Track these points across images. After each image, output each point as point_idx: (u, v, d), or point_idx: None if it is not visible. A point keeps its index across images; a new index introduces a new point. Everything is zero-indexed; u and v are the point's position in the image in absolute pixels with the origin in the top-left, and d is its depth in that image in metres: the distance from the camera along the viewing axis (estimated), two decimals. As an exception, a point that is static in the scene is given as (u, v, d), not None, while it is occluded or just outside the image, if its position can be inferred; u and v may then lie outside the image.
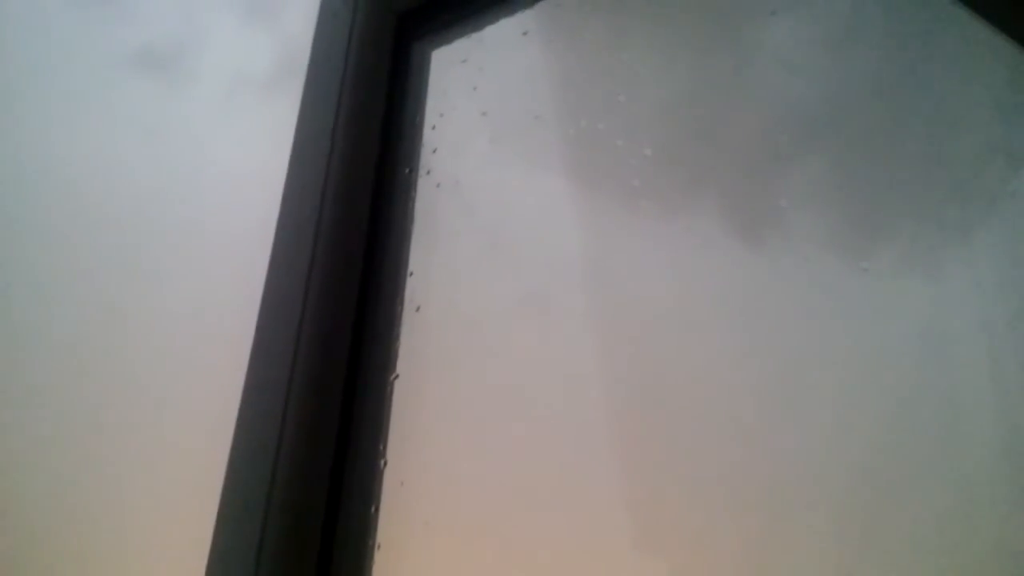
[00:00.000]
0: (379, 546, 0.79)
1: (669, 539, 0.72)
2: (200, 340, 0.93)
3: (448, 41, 1.03)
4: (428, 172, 0.93)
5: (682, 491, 0.74)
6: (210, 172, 1.03)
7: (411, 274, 0.90)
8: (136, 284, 0.98)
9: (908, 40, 0.94)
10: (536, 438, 0.81)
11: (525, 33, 0.95)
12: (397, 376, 0.86)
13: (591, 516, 0.74)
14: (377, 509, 0.81)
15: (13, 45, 1.18)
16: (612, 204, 0.88)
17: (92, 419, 0.86)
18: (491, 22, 1.01)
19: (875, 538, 0.70)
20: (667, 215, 0.86)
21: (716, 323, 0.81)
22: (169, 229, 1.02)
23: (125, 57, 1.15)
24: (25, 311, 0.96)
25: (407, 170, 0.95)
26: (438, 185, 0.92)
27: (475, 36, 1.00)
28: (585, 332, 0.84)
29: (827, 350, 0.78)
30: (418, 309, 0.87)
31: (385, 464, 0.83)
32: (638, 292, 0.84)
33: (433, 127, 0.96)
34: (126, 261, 1.01)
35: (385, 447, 0.84)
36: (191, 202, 1.03)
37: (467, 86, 0.96)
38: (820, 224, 0.84)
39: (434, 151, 0.94)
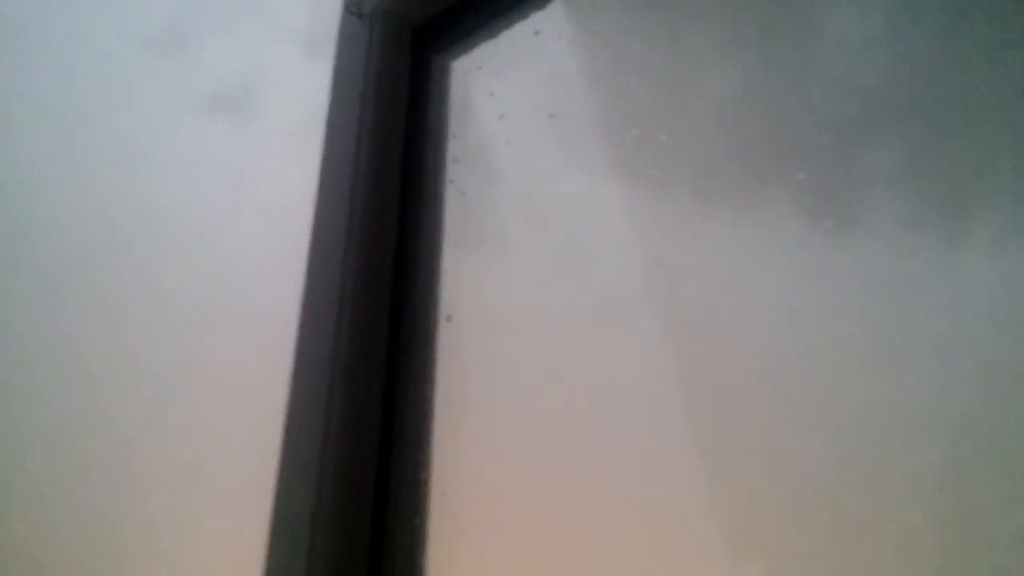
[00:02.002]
0: (428, 559, 0.79)
1: (766, 549, 0.69)
2: (244, 374, 0.94)
3: (467, 51, 1.03)
4: (451, 181, 0.93)
5: (775, 498, 0.72)
6: (280, 205, 1.05)
7: (440, 285, 0.90)
8: (191, 312, 1.01)
9: (975, 12, 0.90)
10: (596, 446, 0.79)
11: (537, 33, 0.95)
12: (434, 387, 0.86)
13: (674, 530, 0.72)
14: (422, 521, 0.81)
15: (89, 95, 1.24)
16: (639, 196, 0.87)
17: (125, 439, 0.89)
18: (506, 27, 1.01)
19: (983, 545, 0.66)
20: (736, 213, 0.83)
21: (798, 319, 0.78)
22: (232, 258, 1.04)
23: (197, 101, 1.18)
24: (103, 331, 1.00)
25: (432, 182, 0.96)
26: (462, 193, 0.92)
27: (490, 41, 1.00)
28: (647, 337, 0.81)
29: (920, 340, 0.74)
30: (449, 319, 0.87)
31: (427, 476, 0.83)
32: (704, 291, 0.81)
33: (454, 136, 0.96)
34: (184, 288, 1.04)
35: (427, 459, 0.83)
36: (261, 234, 1.05)
37: (484, 92, 0.95)
38: (902, 207, 0.80)
39: (455, 160, 0.94)
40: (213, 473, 0.86)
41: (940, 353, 0.74)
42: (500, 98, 0.94)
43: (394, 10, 1.05)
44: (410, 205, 0.95)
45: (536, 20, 0.95)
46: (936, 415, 0.71)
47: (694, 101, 0.89)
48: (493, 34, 1.01)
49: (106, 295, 1.06)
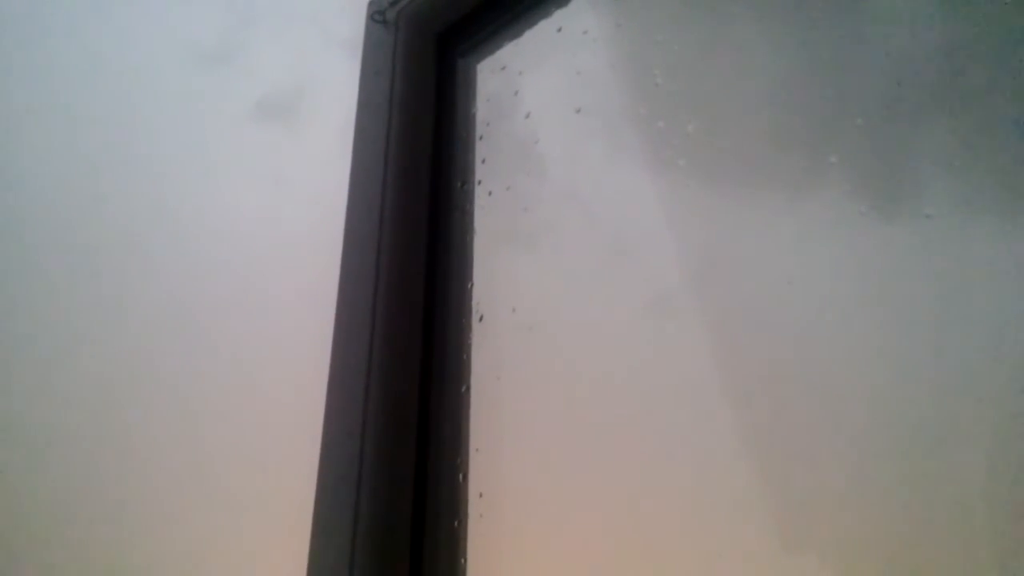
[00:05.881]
0: (468, 561, 0.79)
1: (820, 538, 0.68)
2: (281, 376, 0.95)
3: (491, 52, 1.04)
4: (480, 182, 0.93)
5: (828, 489, 0.70)
6: (316, 209, 1.05)
7: (472, 285, 0.89)
8: (223, 313, 1.02)
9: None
10: (637, 441, 0.78)
11: (559, 30, 0.94)
12: (468, 388, 0.85)
13: (725, 522, 0.70)
14: (461, 523, 0.80)
15: (140, 103, 1.27)
16: (669, 187, 0.85)
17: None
18: (529, 26, 1.00)
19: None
20: (776, 200, 0.81)
21: (847, 307, 0.76)
22: (268, 261, 1.06)
23: (243, 107, 1.20)
24: (142, 334, 1.02)
25: (460, 184, 0.96)
26: (490, 193, 0.92)
27: (514, 42, 1.00)
28: (684, 329, 0.80)
29: (973, 326, 0.72)
30: (481, 319, 0.87)
31: (464, 477, 0.82)
32: (744, 280, 0.79)
33: (481, 137, 0.96)
34: (219, 289, 1.05)
35: (465, 460, 0.83)
36: (296, 237, 1.06)
37: (509, 92, 0.95)
38: (955, 192, 0.77)
39: (483, 161, 0.94)
40: (254, 479, 0.86)
41: (995, 340, 0.71)
42: (525, 97, 0.93)
43: (418, 16, 1.06)
44: (440, 207, 0.95)
45: (559, 17, 0.94)
46: (990, 404, 0.69)
47: (722, 89, 0.87)
48: (516, 34, 1.01)
49: (152, 296, 1.08)
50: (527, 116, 0.92)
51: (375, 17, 1.07)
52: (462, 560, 0.79)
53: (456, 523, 0.80)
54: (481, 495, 0.80)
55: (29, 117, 1.33)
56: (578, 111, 0.88)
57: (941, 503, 0.66)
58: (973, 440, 0.68)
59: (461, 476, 0.82)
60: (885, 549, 0.66)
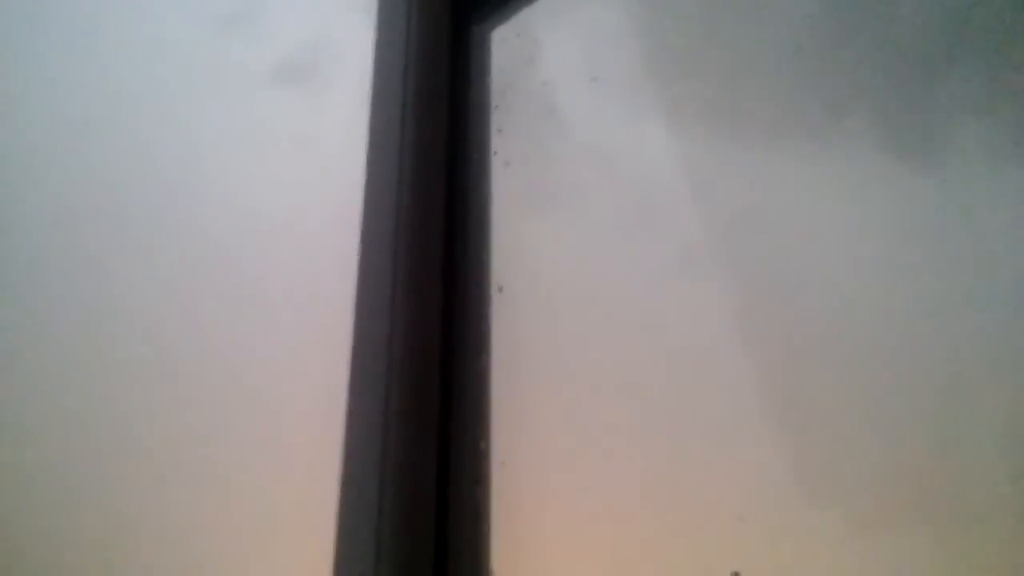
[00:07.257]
0: (490, 528, 0.80)
1: (845, 491, 0.68)
2: (303, 349, 0.95)
3: (506, 19, 1.02)
4: (496, 152, 0.93)
5: (854, 441, 0.70)
6: (333, 178, 1.04)
7: (492, 256, 0.90)
8: (242, 286, 1.01)
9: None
10: (660, 407, 0.78)
11: (575, -5, 0.93)
12: (489, 358, 0.86)
13: (750, 482, 0.71)
14: (484, 492, 0.82)
15: (157, 72, 1.25)
16: (690, 152, 0.85)
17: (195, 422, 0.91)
18: (546, -8, 0.99)
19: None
20: (806, 157, 0.80)
21: (881, 255, 0.75)
22: (286, 232, 1.05)
23: (261, 71, 1.19)
24: (146, 318, 1.01)
25: (477, 155, 0.95)
26: (507, 163, 0.92)
27: (528, 8, 0.98)
28: (710, 293, 0.80)
29: (1012, 278, 0.71)
30: (501, 289, 0.87)
31: (487, 448, 0.83)
32: (776, 240, 0.79)
33: (496, 107, 0.95)
34: (236, 263, 1.04)
35: (486, 429, 0.84)
36: (315, 207, 1.05)
37: (524, 59, 0.94)
38: (988, 139, 0.76)
39: (499, 131, 0.94)
40: (280, 444, 0.88)
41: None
42: (541, 65, 0.93)
43: (431, -18, 1.04)
44: (456, 178, 0.95)
45: (574, -17, 0.93)
46: (1017, 363, 0.69)
47: (745, 48, 0.86)
48: (532, 1, 1.00)
49: (167, 267, 1.08)
50: (544, 84, 0.92)
51: (388, -16, 1.06)
52: (484, 527, 0.80)
53: (479, 491, 0.82)
54: (504, 464, 0.81)
55: (30, 85, 1.32)
56: (595, 78, 0.88)
57: (970, 464, 0.67)
58: (1001, 401, 0.68)
59: (484, 445, 0.83)
60: (910, 505, 0.66)
